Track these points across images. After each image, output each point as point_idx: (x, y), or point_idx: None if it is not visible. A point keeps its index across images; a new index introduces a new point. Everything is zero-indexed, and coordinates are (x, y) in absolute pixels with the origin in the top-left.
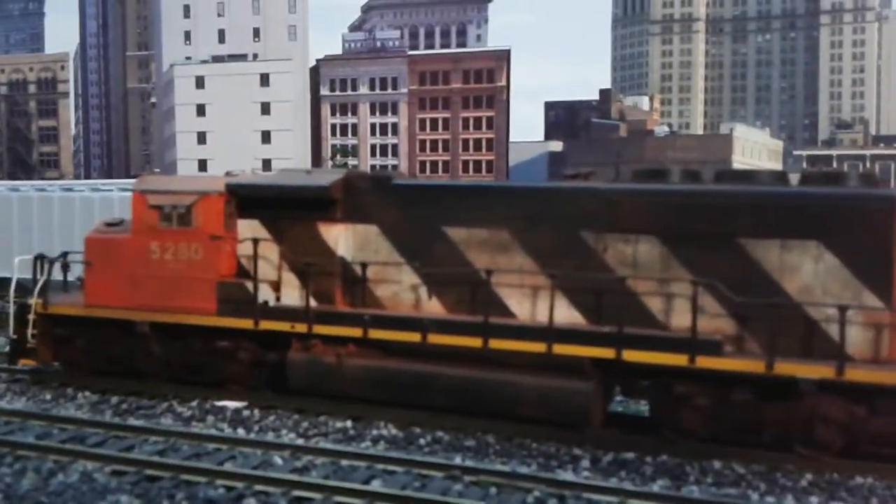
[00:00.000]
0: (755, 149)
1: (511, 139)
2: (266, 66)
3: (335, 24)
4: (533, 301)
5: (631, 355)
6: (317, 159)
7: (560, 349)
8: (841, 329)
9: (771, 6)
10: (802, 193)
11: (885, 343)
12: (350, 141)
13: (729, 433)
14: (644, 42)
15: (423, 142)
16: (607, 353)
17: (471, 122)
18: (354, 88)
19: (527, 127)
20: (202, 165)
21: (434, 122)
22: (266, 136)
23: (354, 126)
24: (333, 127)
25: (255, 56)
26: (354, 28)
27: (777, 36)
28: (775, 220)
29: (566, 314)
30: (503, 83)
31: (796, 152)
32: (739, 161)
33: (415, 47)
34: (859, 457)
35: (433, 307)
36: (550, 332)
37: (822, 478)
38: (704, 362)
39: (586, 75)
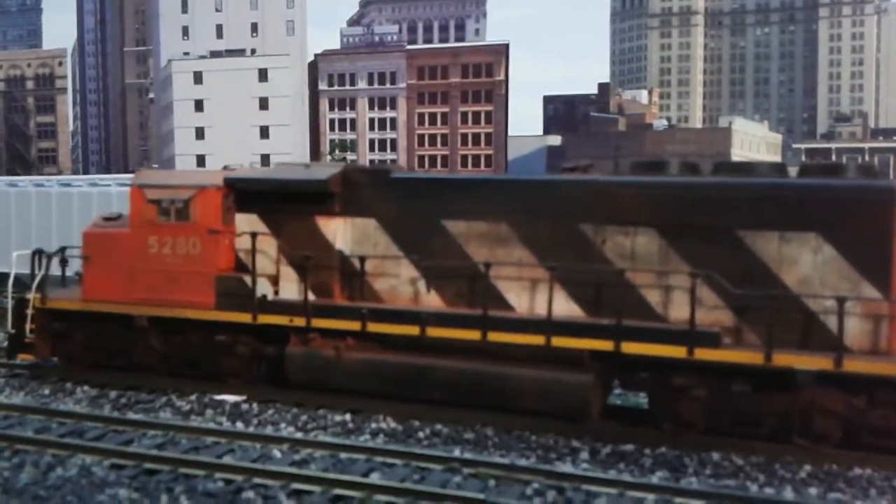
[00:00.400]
0: (754, 142)
1: (510, 133)
2: (264, 61)
3: (333, 19)
4: (532, 294)
5: (630, 347)
6: (315, 154)
7: (559, 342)
8: (839, 321)
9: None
10: (801, 185)
11: (884, 334)
12: (349, 136)
13: (728, 425)
14: (643, 36)
15: (421, 136)
16: (606, 345)
17: (469, 116)
18: (353, 83)
19: (526, 121)
20: (200, 161)
21: (433, 116)
22: (264, 132)
23: (353, 121)
24: (332, 122)
25: (254, 51)
26: (353, 23)
27: (776, 29)
28: (774, 212)
29: (565, 307)
30: (501, 77)
31: (795, 145)
32: (738, 154)
33: (413, 42)
34: (858, 448)
35: (432, 300)
36: (549, 325)
37: (821, 469)
38: (703, 354)
39: (585, 69)
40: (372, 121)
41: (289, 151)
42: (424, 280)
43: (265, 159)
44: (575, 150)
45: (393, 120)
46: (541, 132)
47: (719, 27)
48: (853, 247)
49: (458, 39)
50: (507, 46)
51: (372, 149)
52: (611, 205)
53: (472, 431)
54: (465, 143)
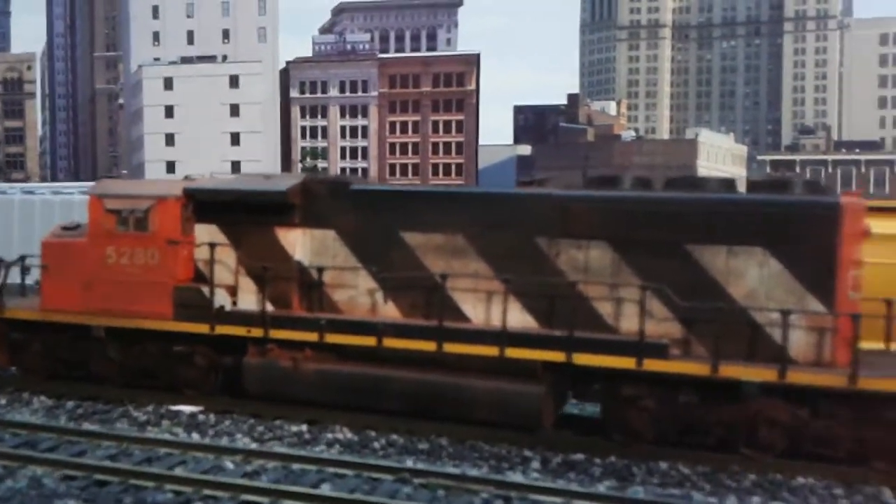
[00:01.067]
0: (719, 154)
1: (480, 143)
2: (235, 67)
3: (305, 27)
4: (487, 305)
5: (580, 359)
6: (286, 162)
7: (512, 353)
8: (784, 333)
9: (736, 13)
10: (748, 201)
11: (828, 347)
12: (320, 143)
13: (676, 434)
14: (612, 48)
15: (392, 145)
16: (558, 356)
17: (440, 125)
18: (324, 91)
19: (497, 131)
20: (170, 167)
21: (404, 125)
22: (235, 138)
23: (324, 128)
24: (303, 129)
25: (225, 58)
26: (325, 31)
27: (742, 42)
28: (722, 227)
29: (519, 318)
30: (472, 87)
31: (760, 157)
32: (704, 166)
33: (385, 50)
34: (801, 458)
35: (389, 311)
36: (503, 337)
37: (765, 478)
38: (651, 365)
39: (556, 80)
40: (343, 129)
41: (259, 159)
42: (382, 291)
43: (236, 166)
44: (544, 160)
45: (364, 128)
46: (511, 142)
47: (686, 40)
48: (798, 261)
49: (429, 49)
50: (477, 56)
51: (343, 157)
52: (565, 218)
53: (426, 442)
54: (436, 151)
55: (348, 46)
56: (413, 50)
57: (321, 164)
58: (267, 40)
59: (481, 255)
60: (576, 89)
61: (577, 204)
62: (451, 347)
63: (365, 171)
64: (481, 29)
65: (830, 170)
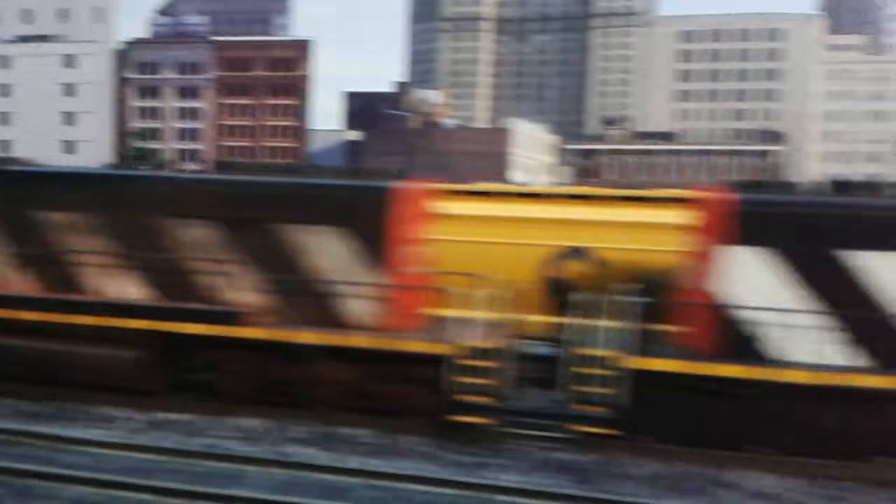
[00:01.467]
0: (530, 142)
1: (314, 127)
2: (72, 47)
3: (142, 8)
4: (113, 280)
5: (171, 326)
6: (121, 142)
7: (118, 322)
8: (347, 302)
9: (551, 9)
10: (323, 186)
11: (382, 313)
12: (155, 124)
13: (263, 393)
14: (436, 38)
15: (226, 127)
16: (155, 324)
17: (273, 109)
18: (160, 72)
19: (331, 116)
20: (5, 147)
21: (238, 108)
22: (71, 118)
23: (159, 109)
24: (138, 110)
25: (62, 37)
26: (161, 12)
27: (556, 37)
28: (304, 209)
29: (139, 291)
30: (305, 72)
31: (568, 146)
32: (517, 154)
33: (220, 34)
34: (354, 410)
35: (25, 286)
36: (111, 308)
37: (318, 430)
38: (226, 331)
39: (387, 68)
40: (177, 110)
41: (94, 139)
42: (20, 267)
43: (71, 146)
44: (373, 146)
45: (199, 110)
46: (343, 127)
47: (505, 33)
48: (360, 239)
49: (263, 33)
50: (311, 42)
51: (178, 138)
52: (184, 200)
53: (49, 406)
54: (269, 134)
55: (184, 28)
56: (248, 34)
57: (153, 144)
58: (104, 20)
59: (110, 233)
60: (404, 77)
61: (195, 187)
62: (72, 319)
63: (199, 152)
64: (317, 15)
65: (633, 158)
